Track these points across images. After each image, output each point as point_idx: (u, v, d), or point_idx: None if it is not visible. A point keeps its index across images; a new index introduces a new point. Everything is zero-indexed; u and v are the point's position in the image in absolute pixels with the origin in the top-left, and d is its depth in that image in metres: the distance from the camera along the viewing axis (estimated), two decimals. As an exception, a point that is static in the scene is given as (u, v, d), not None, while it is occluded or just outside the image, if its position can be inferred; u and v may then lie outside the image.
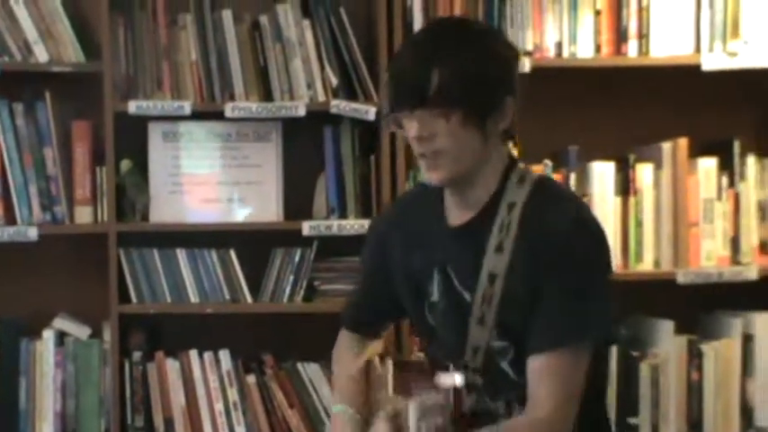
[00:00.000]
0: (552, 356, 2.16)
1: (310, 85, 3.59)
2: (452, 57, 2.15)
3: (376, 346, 2.56)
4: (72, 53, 3.55)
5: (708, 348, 3.59)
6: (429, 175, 2.23)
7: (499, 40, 2.27)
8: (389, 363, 2.50)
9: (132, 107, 3.52)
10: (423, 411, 1.96)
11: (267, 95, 3.58)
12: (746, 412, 3.61)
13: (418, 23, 3.51)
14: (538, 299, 2.17)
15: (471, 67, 2.16)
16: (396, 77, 2.21)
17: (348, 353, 2.52)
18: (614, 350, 3.46)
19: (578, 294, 2.16)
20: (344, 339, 2.57)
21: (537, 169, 3.54)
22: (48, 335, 3.56)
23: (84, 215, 3.57)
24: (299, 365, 3.61)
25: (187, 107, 3.53)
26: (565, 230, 2.17)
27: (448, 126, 2.17)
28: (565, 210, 2.22)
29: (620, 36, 3.58)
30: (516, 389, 2.24)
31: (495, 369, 2.24)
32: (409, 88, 2.17)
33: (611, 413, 3.49)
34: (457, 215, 2.28)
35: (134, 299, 3.55)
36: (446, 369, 2.25)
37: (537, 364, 2.18)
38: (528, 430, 2.19)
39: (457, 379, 1.99)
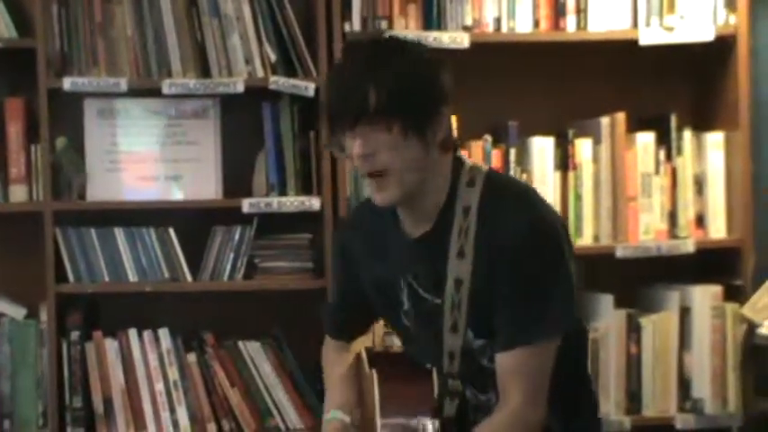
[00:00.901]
0: (516, 354, 2.21)
1: (249, 61, 3.55)
2: (387, 71, 2.18)
3: (363, 341, 2.59)
4: (3, 28, 3.48)
5: (646, 322, 3.63)
6: (377, 197, 2.24)
7: (426, 52, 2.29)
8: (363, 353, 2.50)
9: (67, 84, 3.47)
10: None
11: (205, 72, 3.55)
12: (684, 384, 3.65)
13: (355, -2, 3.51)
14: (499, 299, 2.22)
15: (408, 79, 2.19)
16: (334, 97, 2.24)
17: (335, 354, 2.56)
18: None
19: (537, 293, 2.20)
20: (329, 347, 2.60)
21: (476, 145, 3.56)
22: (-17, 315, 3.51)
23: (18, 194, 3.52)
24: (240, 344, 3.59)
25: (123, 84, 3.48)
26: (519, 232, 2.20)
27: (390, 138, 2.18)
28: (518, 208, 2.24)
29: (559, 11, 3.59)
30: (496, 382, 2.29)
31: (478, 366, 2.29)
32: (349, 105, 2.19)
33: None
34: (413, 227, 2.30)
35: (71, 278, 3.50)
36: (426, 370, 2.32)
37: (502, 362, 2.23)
38: (497, 428, 2.23)
39: (430, 425, 2.11)
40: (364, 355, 2.47)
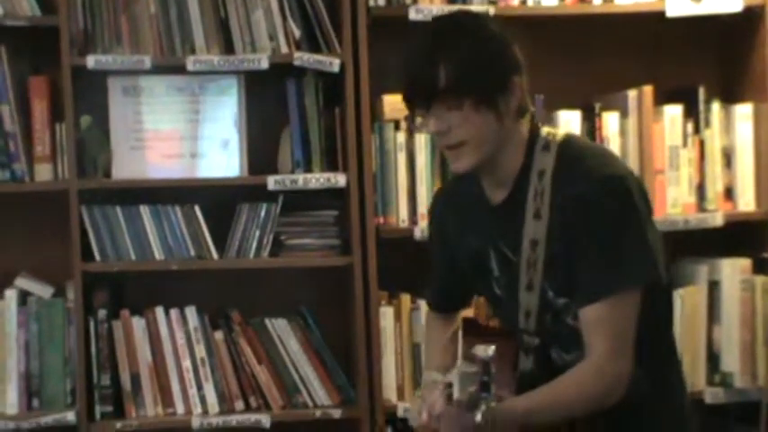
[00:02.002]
0: (597, 307, 2.24)
1: (273, 37, 3.54)
2: (454, 49, 2.25)
3: (464, 313, 2.64)
4: (27, 6, 3.47)
5: (675, 296, 3.60)
6: (455, 166, 2.33)
7: (492, 25, 2.36)
8: (459, 319, 2.59)
9: (91, 62, 3.46)
10: (462, 380, 2.10)
11: (229, 48, 3.53)
12: (713, 358, 3.63)
13: (382, -27, 3.49)
14: (578, 255, 2.25)
15: (473, 55, 2.26)
16: (406, 80, 2.31)
17: (435, 324, 2.64)
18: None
19: (612, 245, 2.23)
20: (432, 320, 2.68)
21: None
22: (10, 294, 3.51)
23: (44, 173, 3.52)
24: (267, 321, 3.59)
25: (147, 61, 3.47)
26: (593, 188, 2.25)
27: (462, 115, 2.26)
28: (591, 168, 2.28)
29: (585, -17, 3.57)
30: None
31: (562, 325, 2.33)
32: (420, 88, 2.28)
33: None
34: (494, 193, 2.37)
35: (97, 257, 3.50)
36: (510, 331, 2.37)
37: (584, 317, 2.27)
38: (579, 377, 2.26)
39: (489, 350, 2.08)
40: (460, 322, 2.53)
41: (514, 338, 2.36)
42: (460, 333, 2.41)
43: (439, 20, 2.46)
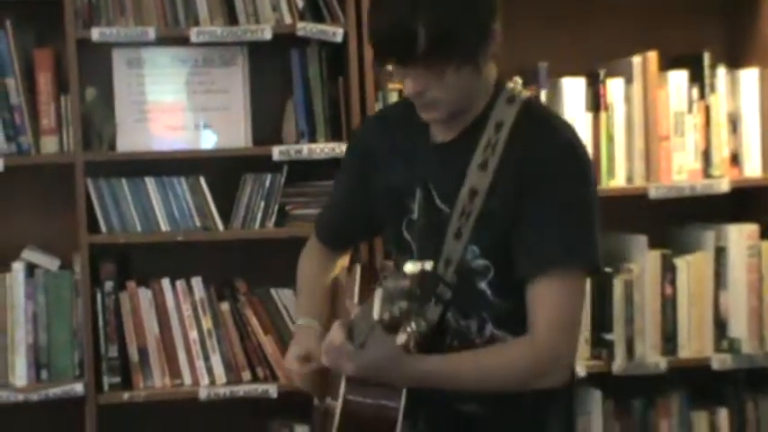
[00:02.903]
0: (547, 281, 2.13)
1: (276, 8, 3.53)
2: (435, 6, 2.06)
3: (343, 261, 2.54)
4: (31, -20, 3.48)
5: (681, 262, 3.60)
6: (426, 116, 2.20)
7: None
8: (357, 267, 2.45)
9: (95, 34, 3.46)
10: (387, 296, 1.87)
11: (232, 19, 3.53)
12: (720, 324, 3.62)
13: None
14: (522, 222, 2.14)
15: (456, 14, 2.08)
16: (379, 34, 2.12)
17: (317, 268, 2.50)
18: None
19: (572, 219, 2.13)
20: (314, 251, 2.54)
21: (507, 87, 3.52)
22: (17, 267, 3.52)
23: (49, 145, 3.53)
24: (273, 291, 3.59)
25: (151, 33, 3.47)
26: (555, 155, 2.15)
27: (442, 76, 2.11)
28: (554, 134, 2.19)
29: (587, -51, 3.55)
30: (492, 309, 2.22)
31: (471, 288, 2.21)
32: (395, 47, 2.09)
33: (586, 330, 3.52)
34: (441, 131, 2.25)
35: (103, 229, 3.51)
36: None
37: (531, 289, 2.15)
38: (511, 348, 2.16)
39: (426, 264, 1.88)
40: (358, 270, 2.41)
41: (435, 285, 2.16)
42: (357, 277, 2.26)
43: None
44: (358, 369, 2.06)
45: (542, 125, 2.20)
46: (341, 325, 2.09)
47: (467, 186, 2.18)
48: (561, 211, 2.13)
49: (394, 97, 3.53)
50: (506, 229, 2.16)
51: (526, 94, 2.25)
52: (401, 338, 1.87)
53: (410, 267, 1.89)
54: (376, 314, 1.90)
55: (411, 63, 2.10)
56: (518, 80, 2.23)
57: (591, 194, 2.18)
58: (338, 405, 2.13)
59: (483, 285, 2.21)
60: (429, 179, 2.25)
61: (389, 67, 2.14)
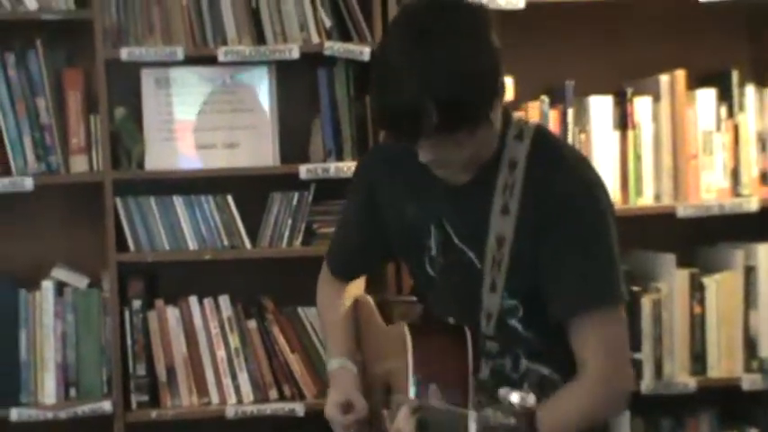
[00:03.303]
0: (583, 320, 2.13)
1: (303, 27, 3.55)
2: (446, 74, 1.99)
3: (359, 285, 2.52)
4: (61, 1, 3.50)
5: (710, 281, 3.58)
6: (441, 174, 2.17)
7: (485, 20, 2.08)
8: (370, 300, 2.44)
9: (124, 54, 3.48)
10: (485, 428, 1.73)
11: (260, 38, 3.55)
12: (750, 344, 3.59)
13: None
14: (549, 264, 2.14)
15: (465, 83, 2.01)
16: (388, 115, 2.05)
17: (336, 299, 2.47)
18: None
19: (596, 257, 2.14)
20: (329, 284, 2.51)
21: (533, 106, 3.52)
22: (46, 285, 3.54)
23: (79, 164, 3.55)
24: (300, 309, 3.60)
25: (179, 52, 3.50)
26: (574, 192, 2.14)
27: (456, 142, 2.06)
28: (572, 167, 2.17)
29: (614, -33, 3.54)
30: (524, 344, 2.23)
31: (503, 327, 2.20)
32: (408, 125, 2.03)
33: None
34: (455, 174, 2.20)
35: (132, 247, 3.53)
36: (458, 328, 2.20)
37: (572, 331, 2.15)
38: (582, 397, 2.14)
39: (530, 399, 1.72)
40: (372, 302, 2.39)
41: (463, 335, 2.17)
42: (406, 328, 2.19)
43: (419, 18, 2.05)
44: None
45: (556, 161, 2.18)
46: (410, 413, 2.01)
47: (492, 234, 2.15)
48: (585, 251, 2.13)
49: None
50: (533, 270, 2.16)
51: (533, 123, 2.24)
52: None
53: (516, 399, 1.73)
54: None
55: (423, 137, 2.05)
56: (545, 99, 2.24)
57: (610, 227, 2.17)
58: None
59: (514, 322, 2.22)
60: (444, 219, 2.23)
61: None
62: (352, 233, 2.44)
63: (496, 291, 2.17)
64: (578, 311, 2.14)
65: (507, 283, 2.16)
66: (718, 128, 3.59)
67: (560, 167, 2.17)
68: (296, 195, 3.56)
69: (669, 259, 3.55)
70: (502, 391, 1.74)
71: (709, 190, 3.59)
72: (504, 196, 2.15)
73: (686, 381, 3.54)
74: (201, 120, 3.59)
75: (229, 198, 3.55)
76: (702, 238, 3.68)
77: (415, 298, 2.42)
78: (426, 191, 2.24)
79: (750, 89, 3.60)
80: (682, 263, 3.57)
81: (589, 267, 2.13)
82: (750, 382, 3.56)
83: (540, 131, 2.23)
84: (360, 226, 2.40)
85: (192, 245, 3.54)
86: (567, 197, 2.13)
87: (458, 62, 2.00)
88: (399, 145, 2.17)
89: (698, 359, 3.57)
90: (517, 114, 2.26)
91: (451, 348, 2.12)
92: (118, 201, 3.51)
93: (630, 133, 3.55)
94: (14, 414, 3.45)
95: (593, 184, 2.18)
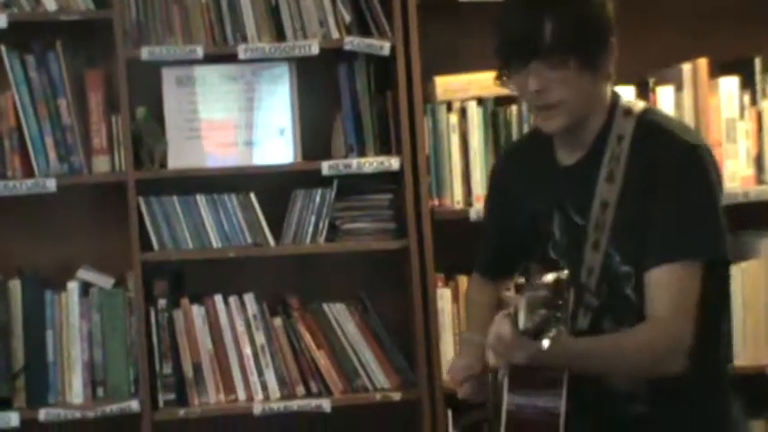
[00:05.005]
0: (667, 270, 2.20)
1: (323, 23, 3.54)
2: (560, 4, 2.19)
3: (508, 284, 2.61)
4: (81, 1, 3.50)
5: (735, 270, 3.55)
6: (544, 125, 2.28)
7: None
8: (503, 289, 2.57)
9: (144, 53, 3.49)
10: (529, 305, 1.98)
11: (279, 35, 3.54)
12: (776, 332, 3.59)
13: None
14: (651, 223, 2.21)
15: (582, 12, 2.21)
16: (507, 32, 2.23)
17: (484, 289, 2.59)
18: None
19: (693, 214, 2.21)
20: (478, 283, 2.62)
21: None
22: (72, 286, 3.55)
23: (101, 164, 3.56)
24: (325, 306, 3.60)
25: (199, 51, 3.50)
26: (678, 157, 2.22)
27: (564, 74, 2.20)
28: (675, 138, 2.25)
29: (636, -44, 3.53)
30: (639, 314, 2.27)
31: (620, 295, 2.28)
32: (523, 41, 2.20)
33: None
34: (567, 154, 2.33)
35: (156, 246, 3.53)
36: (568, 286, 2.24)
37: (652, 277, 2.21)
38: (643, 332, 2.21)
39: (561, 273, 1.99)
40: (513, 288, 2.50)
41: (571, 291, 2.22)
42: (512, 291, 2.36)
43: None
44: (529, 356, 2.06)
45: (660, 132, 2.27)
46: (505, 317, 2.10)
47: (597, 199, 2.26)
48: (684, 209, 2.21)
49: (443, 110, 3.53)
50: (641, 234, 2.23)
51: (642, 105, 2.34)
52: (545, 343, 1.96)
53: (547, 277, 1.99)
54: (521, 324, 1.99)
55: (534, 59, 2.19)
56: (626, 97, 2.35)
57: (713, 187, 2.24)
58: (502, 414, 2.19)
59: (629, 291, 2.28)
60: (564, 200, 2.33)
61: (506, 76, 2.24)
62: (491, 234, 2.56)
63: (599, 249, 2.26)
64: (669, 258, 2.19)
65: (615, 245, 2.25)
66: (742, 116, 3.58)
67: (664, 136, 2.26)
68: (318, 192, 3.56)
69: (694, 249, 3.53)
70: (544, 276, 2.00)
71: (734, 178, 3.57)
72: (611, 165, 2.26)
73: (713, 370, 3.53)
74: (223, 118, 3.60)
75: (252, 196, 3.55)
76: (727, 226, 3.65)
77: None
78: (547, 178, 2.36)
79: (773, 76, 3.59)
80: (707, 252, 3.55)
81: (685, 223, 2.20)
82: (776, 369, 3.56)
83: (649, 108, 2.35)
84: (497, 226, 2.53)
85: (215, 243, 3.54)
86: (670, 159, 2.22)
87: (575, 1, 2.22)
88: (519, 143, 2.50)
89: (724, 348, 3.56)
90: (625, 97, 2.34)
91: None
92: (141, 200, 3.51)
93: (653, 123, 3.53)
94: (42, 414, 3.47)
95: (696, 146, 2.25)
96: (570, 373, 2.15)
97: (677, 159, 2.22)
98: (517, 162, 2.47)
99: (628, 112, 2.29)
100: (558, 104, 2.23)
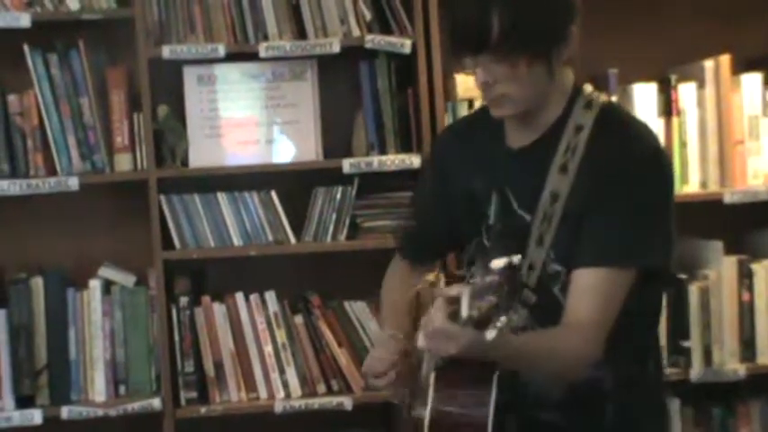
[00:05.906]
0: (602, 272, 2.12)
1: (344, 21, 3.54)
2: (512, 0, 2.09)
3: (428, 277, 2.51)
4: (103, 0, 3.52)
5: (758, 267, 3.55)
6: (494, 113, 2.21)
7: None
8: (442, 278, 2.43)
9: (166, 52, 3.50)
10: (475, 293, 1.85)
11: (301, 33, 3.55)
12: (799, 330, 3.57)
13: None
14: (595, 218, 2.14)
15: (531, 8, 2.10)
16: (456, 23, 2.15)
17: (399, 283, 2.49)
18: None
19: (638, 219, 2.13)
20: (397, 269, 2.53)
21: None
22: (94, 284, 3.56)
23: (123, 163, 3.57)
24: (346, 304, 3.60)
25: (221, 49, 3.50)
26: (638, 157, 2.15)
27: (513, 71, 2.12)
28: (638, 137, 2.19)
29: (658, -48, 3.52)
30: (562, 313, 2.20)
31: (547, 295, 2.20)
32: (470, 35, 2.11)
33: (663, 337, 3.47)
34: (518, 137, 2.25)
35: (177, 245, 3.54)
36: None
37: (581, 278, 2.14)
38: (566, 335, 2.13)
39: (514, 258, 1.87)
40: (443, 281, 2.37)
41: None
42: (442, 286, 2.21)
43: None
44: (468, 347, 1.94)
45: (622, 129, 2.20)
46: (440, 307, 1.99)
47: (547, 190, 2.18)
48: (633, 211, 2.12)
49: (463, 108, 3.52)
50: (580, 230, 2.16)
51: (604, 98, 2.25)
52: (491, 334, 1.84)
53: (497, 262, 1.87)
54: (464, 312, 1.87)
55: (483, 52, 2.11)
56: (589, 87, 2.23)
57: (666, 198, 2.17)
58: (426, 414, 2.10)
59: (556, 291, 2.21)
60: (506, 184, 2.25)
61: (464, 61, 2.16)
62: (419, 211, 2.47)
63: (543, 245, 2.18)
64: (598, 263, 2.12)
65: (555, 241, 2.16)
66: (765, 112, 3.56)
67: (624, 134, 2.18)
68: (339, 190, 3.55)
69: (717, 246, 3.53)
70: (493, 262, 1.87)
71: (757, 175, 3.56)
72: (566, 156, 2.18)
73: (736, 368, 3.52)
74: (244, 116, 3.60)
75: (273, 194, 3.55)
76: (750, 224, 3.65)
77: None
78: (492, 159, 2.27)
79: (796, 72, 3.58)
80: (729, 250, 3.55)
81: (625, 227, 2.12)
82: (800, 367, 3.54)
83: (610, 103, 2.27)
84: (429, 204, 2.42)
85: (236, 241, 3.55)
86: (629, 157, 2.14)
87: None
88: (467, 119, 2.34)
89: (747, 346, 3.55)
90: (588, 87, 2.26)
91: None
92: (162, 198, 3.52)
93: (675, 120, 3.53)
94: (65, 412, 3.48)
95: (656, 152, 2.19)
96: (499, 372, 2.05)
97: (636, 159, 2.14)
98: (462, 138, 2.37)
99: (589, 104, 2.20)
100: (504, 98, 2.15)
